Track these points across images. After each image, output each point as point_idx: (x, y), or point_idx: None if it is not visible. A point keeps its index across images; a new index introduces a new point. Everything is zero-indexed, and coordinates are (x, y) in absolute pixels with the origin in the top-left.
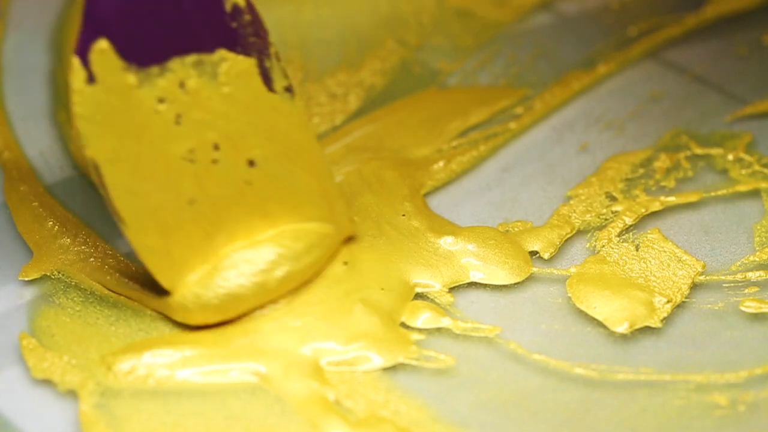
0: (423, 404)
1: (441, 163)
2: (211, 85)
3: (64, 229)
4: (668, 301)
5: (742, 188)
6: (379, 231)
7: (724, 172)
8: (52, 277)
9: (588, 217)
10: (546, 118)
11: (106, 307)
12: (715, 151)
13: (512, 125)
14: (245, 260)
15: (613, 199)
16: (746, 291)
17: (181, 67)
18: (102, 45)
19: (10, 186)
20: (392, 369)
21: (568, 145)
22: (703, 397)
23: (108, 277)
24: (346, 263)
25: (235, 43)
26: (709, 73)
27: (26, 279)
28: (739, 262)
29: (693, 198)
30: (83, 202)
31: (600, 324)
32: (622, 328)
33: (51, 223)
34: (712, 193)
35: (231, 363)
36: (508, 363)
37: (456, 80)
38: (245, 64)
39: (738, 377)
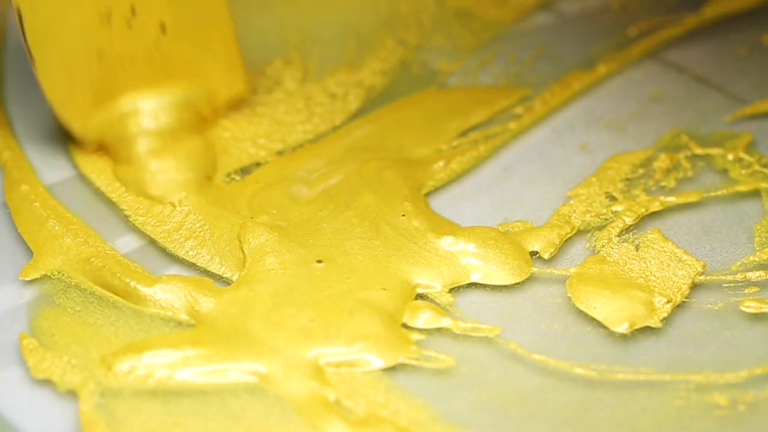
0: (423, 404)
1: (441, 163)
2: None
3: (64, 229)
4: (668, 301)
5: (742, 188)
6: (376, 232)
7: (724, 172)
8: (52, 277)
9: (588, 217)
10: (546, 118)
11: (106, 307)
12: (715, 151)
13: (512, 125)
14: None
15: (613, 199)
16: (746, 291)
17: None
18: None
19: (11, 186)
20: (392, 369)
21: (568, 145)
22: (703, 397)
23: (108, 277)
24: (320, 261)
25: None
26: (709, 73)
27: (26, 279)
28: (739, 262)
29: (693, 198)
30: (83, 202)
31: (600, 324)
32: (622, 328)
33: (51, 223)
34: (712, 193)
35: (231, 363)
36: (508, 363)
37: (456, 80)
38: None
39: (738, 377)
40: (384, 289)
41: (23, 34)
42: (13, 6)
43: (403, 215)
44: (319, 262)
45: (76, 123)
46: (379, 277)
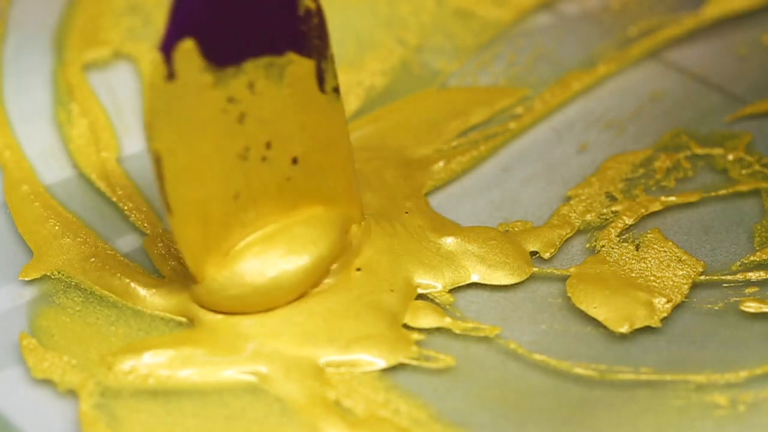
0: (423, 404)
1: (441, 163)
2: (275, 87)
3: (65, 229)
4: (668, 301)
5: (742, 188)
6: (393, 230)
7: (724, 172)
8: (52, 277)
9: (588, 217)
10: (546, 118)
11: (106, 307)
12: (715, 151)
13: (512, 125)
14: (262, 255)
15: (613, 199)
16: (746, 291)
17: (254, 68)
18: (187, 45)
19: (11, 186)
20: (392, 369)
21: (568, 145)
22: (703, 397)
23: (108, 277)
24: (359, 269)
25: (302, 46)
26: (709, 73)
27: (26, 279)
28: (739, 262)
29: (693, 198)
30: (83, 202)
31: (600, 324)
32: (622, 328)
33: (51, 223)
34: (712, 193)
35: (231, 363)
36: (508, 363)
37: (456, 80)
38: (307, 66)
39: (738, 377)
40: (392, 291)
41: (160, 180)
42: (150, 152)
43: (406, 212)
44: (358, 270)
45: (205, 272)
46: (389, 278)
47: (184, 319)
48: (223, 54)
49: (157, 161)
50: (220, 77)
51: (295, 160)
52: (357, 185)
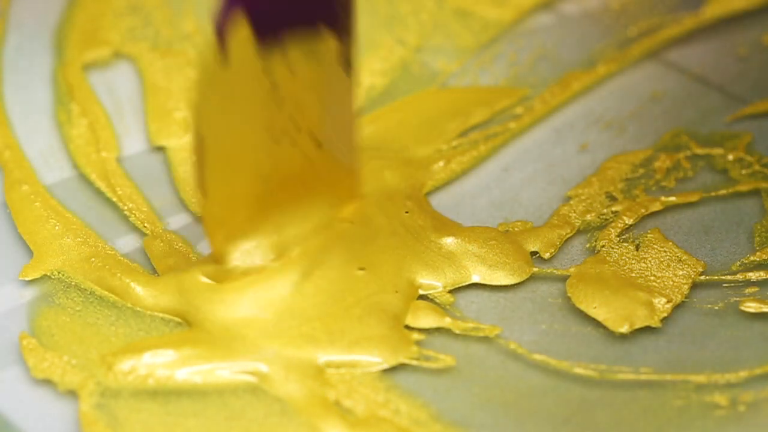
0: (423, 404)
1: (441, 163)
2: (313, 70)
3: (65, 229)
4: (668, 301)
5: (742, 188)
6: (395, 229)
7: (724, 172)
8: (52, 277)
9: (588, 217)
10: (546, 118)
11: (106, 307)
12: (715, 151)
13: (512, 125)
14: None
15: (613, 199)
16: (746, 291)
17: (297, 52)
18: (244, 32)
19: (11, 186)
20: (392, 369)
21: (568, 145)
22: (703, 397)
23: (108, 277)
24: (362, 269)
25: (338, 26)
26: (709, 73)
27: (26, 279)
28: (739, 262)
29: (693, 198)
30: (83, 202)
31: (600, 324)
32: (622, 328)
33: (51, 223)
34: (712, 193)
35: (231, 363)
36: (508, 363)
37: (456, 80)
38: (339, 47)
39: (738, 377)
40: (396, 292)
41: (201, 163)
42: (194, 135)
43: (407, 212)
44: (362, 269)
45: (228, 252)
46: (394, 279)
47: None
48: (271, 38)
49: (201, 144)
50: (268, 62)
51: (319, 144)
52: (359, 164)
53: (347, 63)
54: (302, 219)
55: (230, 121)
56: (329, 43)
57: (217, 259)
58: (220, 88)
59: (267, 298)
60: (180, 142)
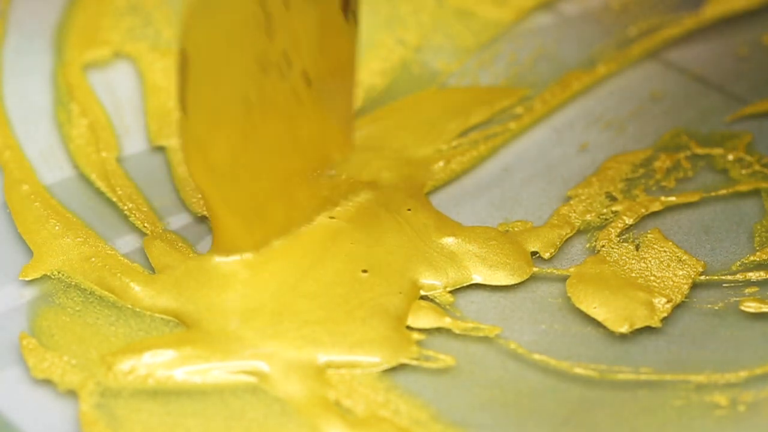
0: (423, 404)
1: (441, 163)
2: (311, 10)
3: (65, 229)
4: (668, 301)
5: (742, 188)
6: (399, 226)
7: (724, 172)
8: (52, 277)
9: (588, 217)
10: (546, 118)
11: (106, 307)
12: (715, 151)
13: (512, 125)
14: None
15: (613, 199)
16: (746, 291)
17: None
18: None
19: (11, 186)
20: (392, 369)
21: (568, 145)
22: (703, 397)
23: (108, 277)
24: (365, 271)
25: None
26: (709, 73)
27: (26, 279)
28: (739, 262)
29: (693, 198)
30: (83, 202)
31: (600, 324)
32: (622, 328)
33: (51, 223)
34: (712, 193)
35: (231, 363)
36: (508, 363)
37: (456, 80)
38: None
39: (738, 377)
40: (400, 293)
41: (183, 80)
42: (179, 51)
43: (409, 210)
44: (365, 272)
45: (204, 178)
46: (398, 280)
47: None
48: None
49: (184, 61)
50: None
51: (308, 82)
52: (353, 116)
53: (352, 13)
54: (287, 162)
55: (218, 42)
56: None
57: (193, 176)
58: (212, 7)
59: (265, 298)
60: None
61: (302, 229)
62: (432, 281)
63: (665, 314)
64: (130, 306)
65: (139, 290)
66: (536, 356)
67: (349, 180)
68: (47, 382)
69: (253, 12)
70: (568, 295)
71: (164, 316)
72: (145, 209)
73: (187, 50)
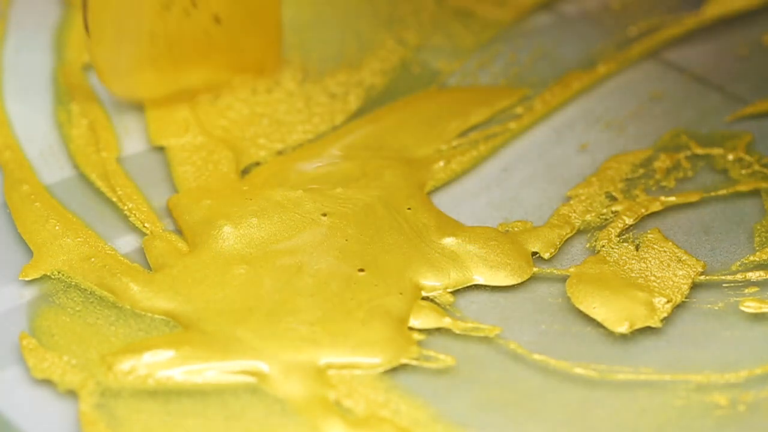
0: (423, 404)
1: (441, 163)
2: None
3: (65, 229)
4: (668, 301)
5: (742, 188)
6: (399, 226)
7: (724, 172)
8: (52, 277)
9: (588, 217)
10: (546, 118)
11: (106, 307)
12: (715, 151)
13: (512, 125)
14: None
15: (613, 199)
16: (746, 291)
17: None
18: None
19: (11, 186)
20: (392, 369)
21: (568, 145)
22: (703, 397)
23: (108, 278)
24: (362, 270)
25: None
26: (709, 73)
27: (26, 279)
28: (739, 262)
29: (693, 198)
30: (83, 202)
31: (600, 324)
32: (622, 328)
33: (51, 223)
34: (712, 193)
35: (231, 363)
36: (508, 363)
37: (456, 80)
38: None
39: (738, 377)
40: (400, 294)
41: (84, 6)
42: None
43: (409, 209)
44: (361, 270)
45: (115, 86)
46: (398, 280)
47: None
48: None
49: None
50: None
51: (217, 19)
52: (279, 51)
53: None
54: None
55: None
56: None
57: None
58: None
59: (261, 296)
60: (180, 142)
61: (291, 225)
62: (433, 282)
63: (665, 314)
64: (129, 307)
65: (137, 290)
66: (536, 356)
67: (341, 170)
68: (47, 382)
69: None
70: (568, 295)
71: (163, 317)
72: (145, 209)
73: None
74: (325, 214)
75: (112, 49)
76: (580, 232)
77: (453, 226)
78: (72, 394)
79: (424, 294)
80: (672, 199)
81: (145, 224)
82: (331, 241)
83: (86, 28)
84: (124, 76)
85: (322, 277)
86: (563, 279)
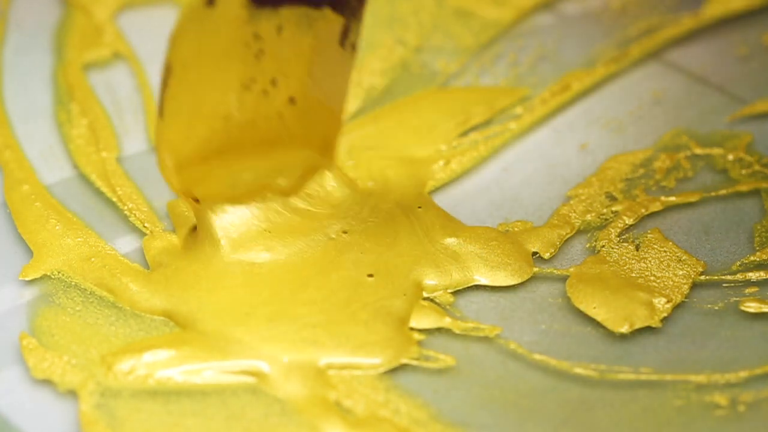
0: (423, 404)
1: (441, 163)
2: (300, 35)
3: (65, 229)
4: (668, 301)
5: (742, 188)
6: (411, 226)
7: (724, 172)
8: (52, 277)
9: (588, 217)
10: (546, 118)
11: (106, 307)
12: (715, 151)
13: (512, 125)
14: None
15: (613, 199)
16: (746, 291)
17: (289, 15)
18: None
19: (11, 186)
20: (392, 369)
21: (568, 145)
22: (703, 397)
23: (108, 278)
24: (371, 275)
25: (340, 4)
26: (709, 73)
27: (26, 279)
28: (739, 262)
29: (693, 198)
30: (83, 202)
31: (600, 324)
32: (622, 328)
33: (51, 223)
34: (712, 193)
35: (231, 363)
36: (508, 363)
37: (456, 80)
38: (337, 22)
39: (738, 377)
40: (404, 295)
41: (164, 87)
42: (166, 62)
43: (420, 207)
44: (370, 276)
45: (175, 177)
46: (404, 282)
47: None
48: None
49: (168, 71)
50: (255, 15)
51: (292, 100)
52: (338, 142)
53: (350, 44)
54: (262, 170)
55: (202, 57)
56: (331, 22)
57: (170, 181)
58: (201, 22)
59: (257, 304)
60: None
61: (307, 246)
62: (435, 282)
63: (665, 314)
64: (128, 307)
65: (135, 290)
66: (536, 356)
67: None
68: (47, 382)
69: (243, 34)
70: (568, 295)
71: (163, 318)
72: (145, 209)
73: (171, 63)
74: (345, 232)
75: (182, 133)
76: (580, 232)
77: (455, 226)
78: (72, 394)
79: (425, 294)
80: (672, 199)
81: (145, 224)
82: (346, 256)
83: (160, 110)
84: (187, 166)
85: (328, 288)
86: (563, 279)
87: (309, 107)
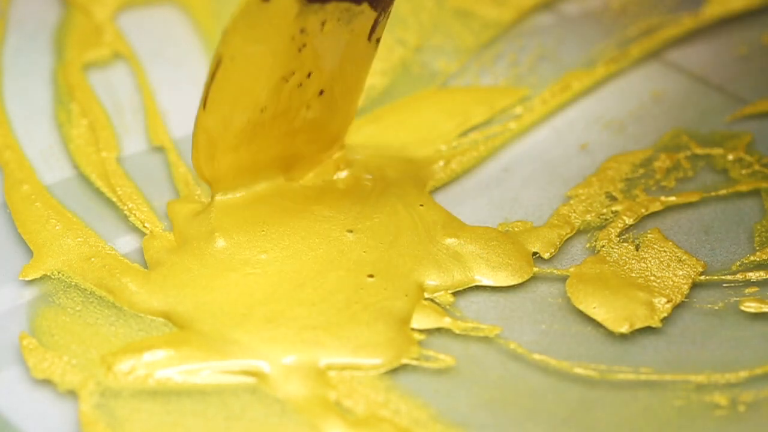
0: (423, 404)
1: (441, 163)
2: (340, 29)
3: (65, 229)
4: (668, 301)
5: (742, 188)
6: (414, 224)
7: (724, 172)
8: (52, 277)
9: (588, 217)
10: (546, 118)
11: (106, 307)
12: (715, 151)
13: (512, 125)
14: None
15: (613, 199)
16: (746, 291)
17: (333, 10)
18: None
19: (11, 186)
20: (392, 369)
21: (568, 145)
22: (703, 397)
23: (108, 278)
24: (371, 276)
25: (379, 6)
26: (709, 73)
27: (26, 279)
28: (739, 262)
29: (693, 198)
30: (83, 202)
31: (600, 324)
32: (622, 328)
33: (51, 223)
34: (712, 193)
35: (231, 363)
36: (508, 363)
37: (456, 80)
38: (370, 17)
39: (738, 377)
40: (406, 296)
41: (210, 79)
42: (216, 55)
43: (421, 205)
44: (371, 276)
45: (207, 166)
46: (405, 283)
47: None
48: None
49: (217, 63)
50: (305, 10)
51: (321, 92)
52: (350, 122)
53: (376, 38)
54: (285, 155)
55: (250, 50)
56: (366, 18)
57: (202, 173)
58: (255, 16)
59: (253, 304)
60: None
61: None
62: (437, 283)
63: (665, 314)
64: (127, 308)
65: (134, 291)
66: (536, 356)
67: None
68: (47, 382)
69: (291, 29)
70: (568, 295)
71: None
72: (145, 209)
73: (221, 55)
74: (350, 231)
75: (221, 124)
76: (580, 232)
77: (456, 225)
78: (72, 394)
79: (426, 295)
80: (672, 199)
81: (145, 224)
82: (348, 255)
83: (204, 101)
84: (222, 154)
85: (326, 289)
86: (563, 279)
87: (332, 100)
